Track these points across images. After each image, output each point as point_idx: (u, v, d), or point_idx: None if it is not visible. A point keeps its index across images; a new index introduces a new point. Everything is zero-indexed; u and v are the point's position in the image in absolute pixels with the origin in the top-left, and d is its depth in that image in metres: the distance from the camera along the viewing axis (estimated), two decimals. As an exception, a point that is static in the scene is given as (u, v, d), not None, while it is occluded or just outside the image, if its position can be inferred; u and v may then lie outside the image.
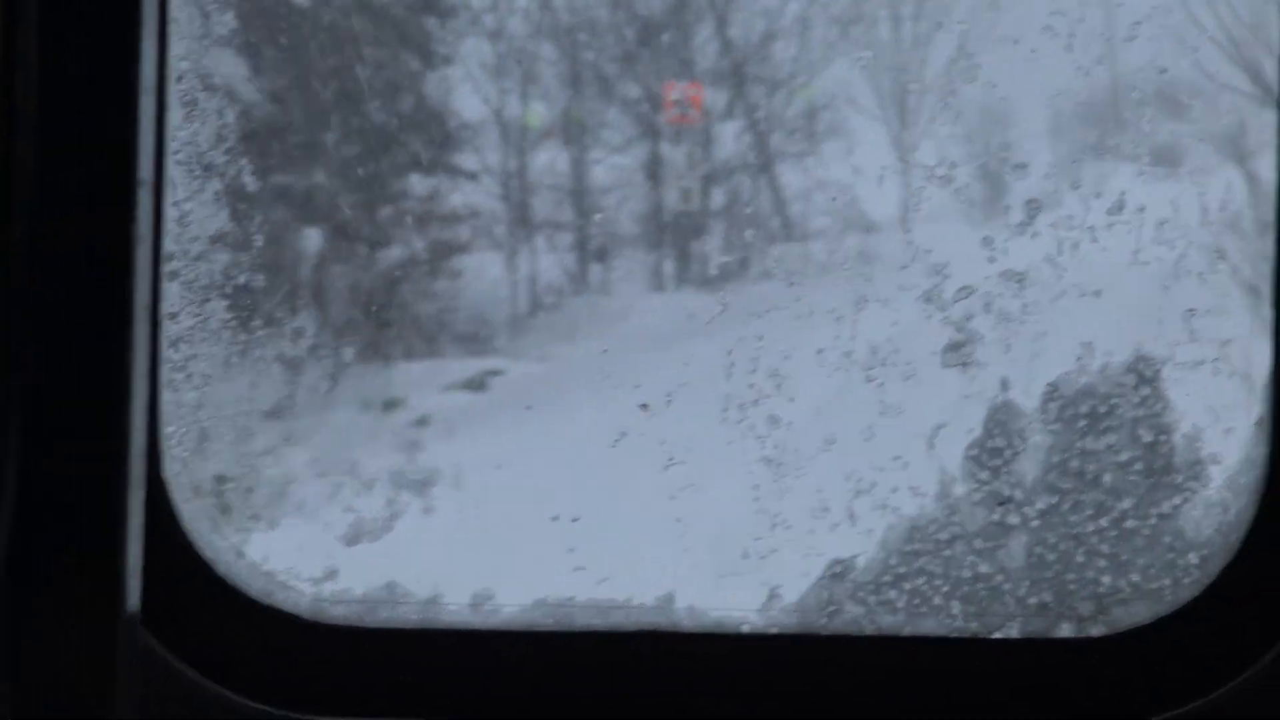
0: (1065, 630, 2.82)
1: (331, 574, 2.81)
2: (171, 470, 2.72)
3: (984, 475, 2.82)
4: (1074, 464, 2.82)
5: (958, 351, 2.83)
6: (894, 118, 3.41)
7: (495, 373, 3.45)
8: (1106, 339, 2.80)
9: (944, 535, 2.82)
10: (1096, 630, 2.82)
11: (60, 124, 2.50)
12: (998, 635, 2.82)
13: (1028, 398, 2.82)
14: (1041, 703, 2.81)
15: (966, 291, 2.82)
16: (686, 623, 2.82)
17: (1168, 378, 2.82)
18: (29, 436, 2.50)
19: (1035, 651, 2.81)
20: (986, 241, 2.80)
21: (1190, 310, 2.81)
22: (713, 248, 3.81)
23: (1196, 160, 2.79)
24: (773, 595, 2.82)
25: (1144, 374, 2.82)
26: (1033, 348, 2.81)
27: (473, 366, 3.45)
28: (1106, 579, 2.82)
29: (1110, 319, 2.80)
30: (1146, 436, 2.82)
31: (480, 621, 2.82)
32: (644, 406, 2.81)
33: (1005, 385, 2.82)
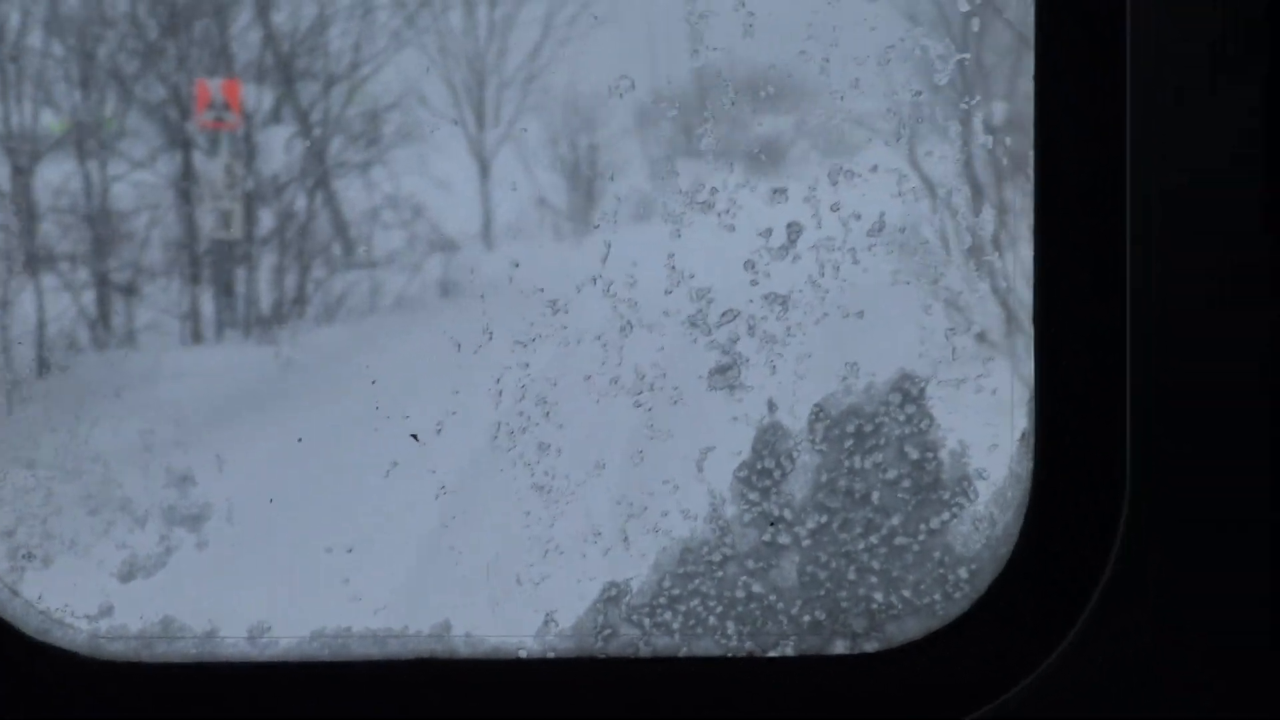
0: (839, 647, 2.86)
1: (107, 610, 2.83)
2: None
3: (754, 496, 2.86)
4: (843, 483, 2.86)
5: (724, 374, 2.87)
6: (471, 117, 3.18)
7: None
8: (871, 359, 2.85)
9: (716, 556, 2.86)
10: (870, 646, 2.86)
11: None
12: (773, 654, 2.86)
13: (795, 419, 2.86)
14: (818, 719, 2.84)
15: (731, 315, 2.86)
16: (464, 650, 2.85)
17: (932, 396, 2.86)
18: None
19: (811, 669, 2.85)
20: (749, 265, 2.85)
21: (951, 329, 2.85)
22: (262, 282, 3.22)
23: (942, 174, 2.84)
24: (548, 620, 2.85)
25: (909, 392, 2.86)
26: (798, 369, 2.85)
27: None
28: (878, 595, 2.86)
29: (874, 339, 2.85)
30: (913, 454, 2.86)
31: (258, 654, 2.84)
32: (414, 436, 2.85)
33: (772, 407, 2.86)
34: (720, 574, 2.86)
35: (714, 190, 2.80)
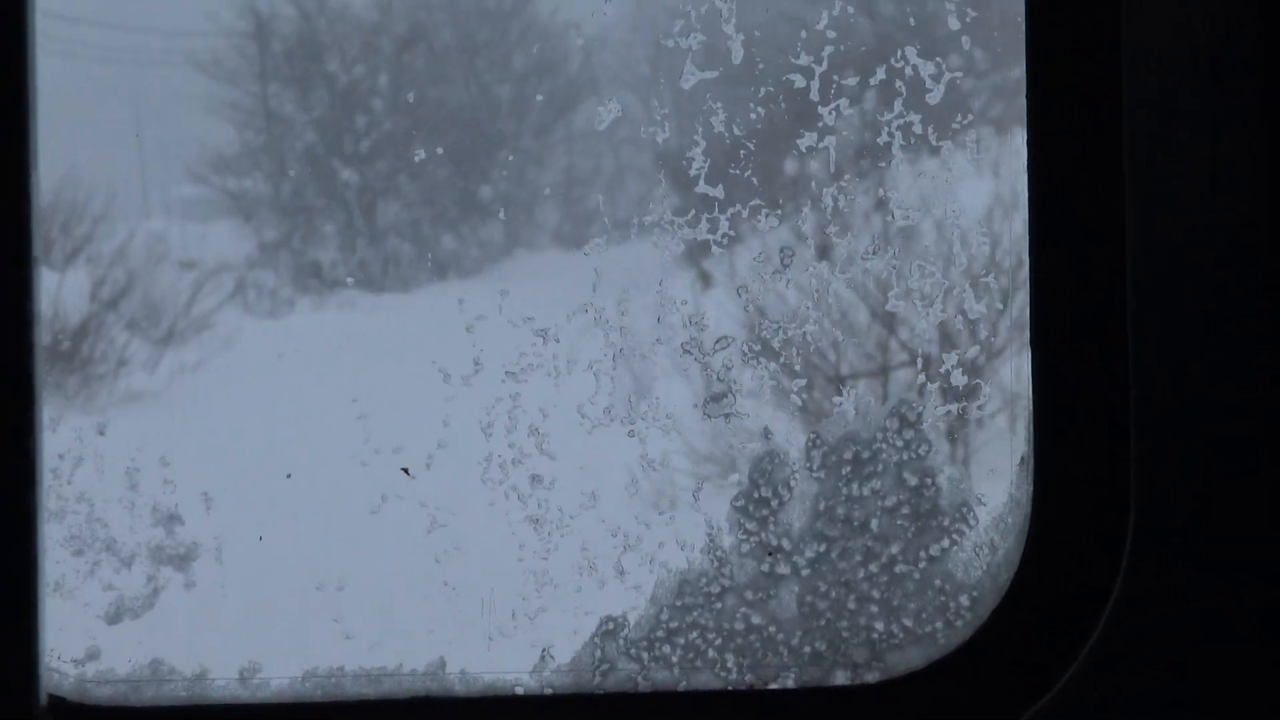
0: (840, 678, 2.81)
1: (94, 654, 2.78)
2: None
3: (751, 526, 2.82)
4: (841, 511, 2.82)
5: (719, 402, 2.83)
6: None
7: None
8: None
9: (714, 588, 2.82)
10: (871, 677, 2.81)
11: None
12: (774, 686, 2.81)
13: (791, 446, 2.82)
14: (820, 752, 2.80)
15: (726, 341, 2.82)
16: (459, 688, 2.80)
17: (930, 421, 2.82)
18: None
19: (812, 700, 2.80)
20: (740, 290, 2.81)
21: (949, 351, 2.82)
22: None
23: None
24: (545, 656, 2.80)
25: (906, 417, 2.83)
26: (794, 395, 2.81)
27: None
28: (879, 625, 2.82)
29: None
30: (912, 480, 2.82)
31: (249, 696, 2.79)
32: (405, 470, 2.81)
33: (768, 434, 2.82)
34: (719, 605, 2.81)
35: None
